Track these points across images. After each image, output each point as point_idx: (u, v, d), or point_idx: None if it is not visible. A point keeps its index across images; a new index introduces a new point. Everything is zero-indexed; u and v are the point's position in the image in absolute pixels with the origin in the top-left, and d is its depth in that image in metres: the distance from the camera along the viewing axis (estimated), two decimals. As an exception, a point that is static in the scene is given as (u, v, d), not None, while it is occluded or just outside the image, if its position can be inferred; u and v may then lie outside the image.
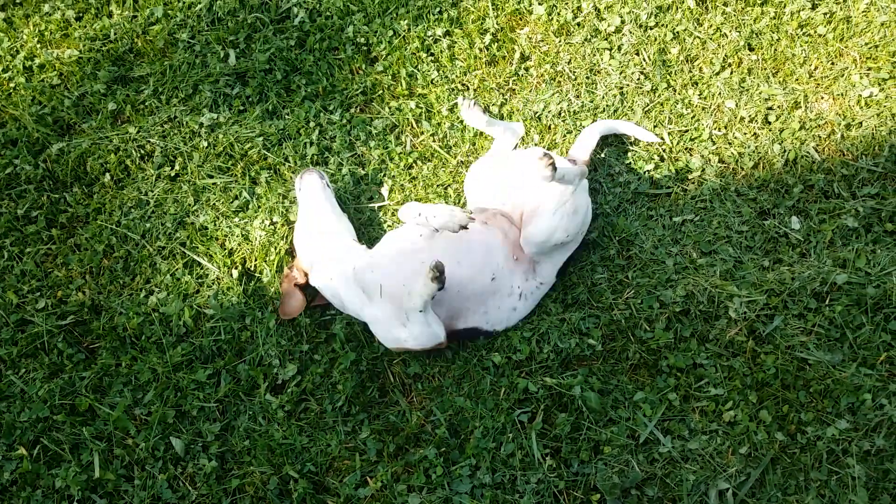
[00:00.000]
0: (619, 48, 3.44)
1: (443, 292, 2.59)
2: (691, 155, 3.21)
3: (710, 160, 3.18)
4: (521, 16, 3.59)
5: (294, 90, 3.50)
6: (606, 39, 3.47)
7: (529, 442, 2.57)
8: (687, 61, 3.40)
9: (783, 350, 2.61)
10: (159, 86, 3.54)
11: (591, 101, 3.35)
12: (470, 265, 2.67)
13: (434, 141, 3.33)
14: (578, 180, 2.74)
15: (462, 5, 3.61)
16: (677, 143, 3.23)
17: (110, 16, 3.77)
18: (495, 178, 2.93)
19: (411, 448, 2.66)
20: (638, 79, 3.37)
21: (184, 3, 3.72)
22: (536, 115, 3.33)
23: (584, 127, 3.24)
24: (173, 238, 3.15)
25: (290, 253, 3.07)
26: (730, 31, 3.41)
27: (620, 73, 3.39)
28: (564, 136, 3.28)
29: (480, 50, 3.50)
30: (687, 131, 3.25)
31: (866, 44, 3.29)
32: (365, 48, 3.58)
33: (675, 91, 3.34)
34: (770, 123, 3.22)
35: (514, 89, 3.45)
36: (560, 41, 3.50)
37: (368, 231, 3.14)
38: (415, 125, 3.38)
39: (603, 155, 3.23)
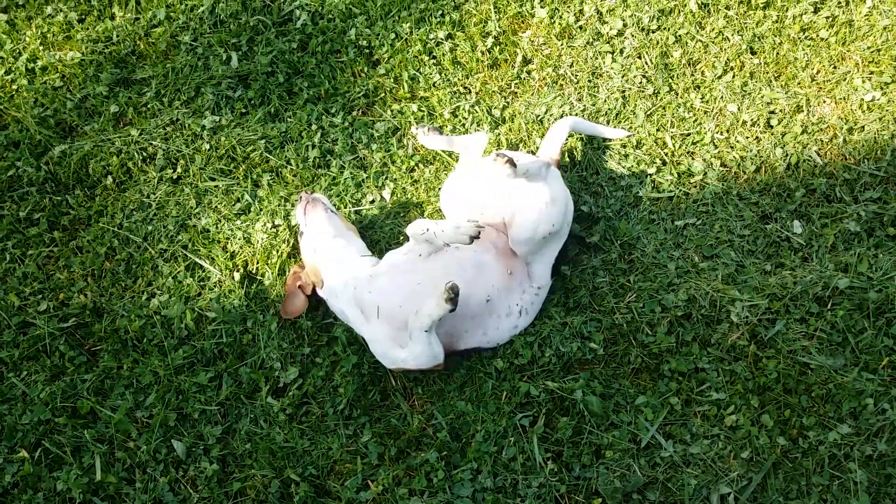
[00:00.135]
0: (622, 51, 3.44)
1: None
2: (693, 159, 3.21)
3: (712, 164, 3.18)
4: (523, 19, 3.59)
5: (296, 93, 3.50)
6: (608, 43, 3.47)
7: (531, 446, 2.57)
8: (689, 65, 3.40)
9: (785, 354, 2.61)
10: (161, 88, 3.54)
11: (593, 105, 3.35)
12: (465, 285, 2.61)
13: (436, 144, 3.33)
14: (545, 171, 2.75)
15: (464, 8, 3.62)
16: (679, 147, 3.23)
17: (113, 18, 3.78)
18: (470, 191, 2.91)
19: (413, 452, 2.66)
20: (640, 82, 3.37)
21: (186, 5, 3.72)
22: (538, 119, 3.33)
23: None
24: (175, 241, 3.15)
25: (294, 256, 3.07)
26: (732, 35, 3.41)
27: (622, 77, 3.39)
28: (566, 139, 3.27)
29: (482, 53, 3.50)
30: (689, 135, 3.25)
31: (869, 47, 3.29)
32: (367, 51, 3.58)
33: (677, 95, 3.34)
34: (772, 127, 3.22)
35: (516, 92, 3.45)
36: (562, 44, 3.50)
37: (370, 234, 3.14)
38: (417, 128, 3.38)
39: (604, 158, 3.23)
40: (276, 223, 3.15)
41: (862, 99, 3.20)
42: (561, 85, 3.42)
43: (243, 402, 2.81)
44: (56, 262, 3.16)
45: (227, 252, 3.12)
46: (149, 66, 3.63)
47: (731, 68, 3.37)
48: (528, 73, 3.48)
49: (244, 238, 3.13)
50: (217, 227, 3.17)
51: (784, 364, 2.59)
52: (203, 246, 3.13)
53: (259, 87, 3.48)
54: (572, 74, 3.43)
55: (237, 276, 3.04)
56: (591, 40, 3.48)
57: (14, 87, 3.60)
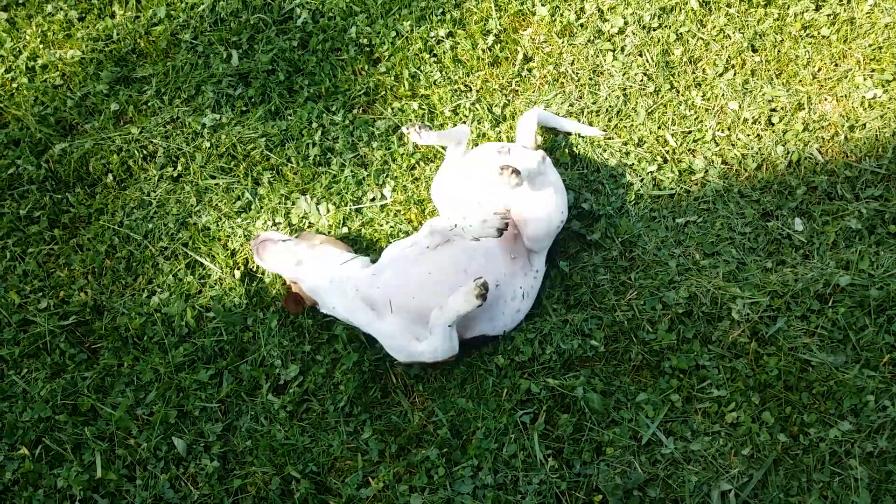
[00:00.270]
0: (623, 49, 3.44)
1: None
2: (694, 156, 3.21)
3: (713, 162, 3.17)
4: (524, 17, 3.59)
5: (297, 91, 3.50)
6: (609, 41, 3.47)
7: (531, 443, 2.56)
8: (690, 63, 3.40)
9: (786, 352, 2.61)
10: (162, 86, 3.54)
11: (594, 103, 3.34)
12: (475, 273, 2.66)
13: (437, 142, 3.33)
14: (542, 165, 2.77)
15: (465, 6, 3.61)
16: (680, 145, 3.23)
17: (113, 16, 3.78)
18: (463, 184, 2.92)
19: (413, 449, 2.65)
20: (641, 80, 3.36)
21: (186, 3, 3.72)
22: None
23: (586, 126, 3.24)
24: (175, 238, 3.15)
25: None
26: (733, 33, 3.40)
27: (623, 75, 3.39)
28: (566, 136, 3.27)
29: (483, 51, 3.50)
30: (690, 133, 3.24)
31: (870, 45, 3.29)
32: (368, 49, 3.58)
33: (678, 92, 3.34)
34: (773, 125, 3.22)
35: (516, 90, 3.45)
36: (563, 42, 3.50)
37: (370, 231, 3.14)
38: (417, 126, 3.38)
39: (605, 156, 3.23)
40: (276, 221, 3.15)
41: (863, 96, 3.19)
42: (562, 83, 3.42)
43: (244, 400, 2.81)
44: (56, 259, 3.16)
45: (227, 250, 3.12)
46: (149, 64, 3.63)
47: (733, 66, 3.36)
48: (529, 70, 3.48)
49: (245, 236, 3.13)
50: (217, 225, 3.17)
51: (785, 361, 2.59)
52: (203, 244, 3.13)
53: (259, 86, 3.48)
54: (573, 72, 3.43)
55: (237, 273, 3.04)
56: (592, 38, 3.48)
57: (14, 85, 3.60)
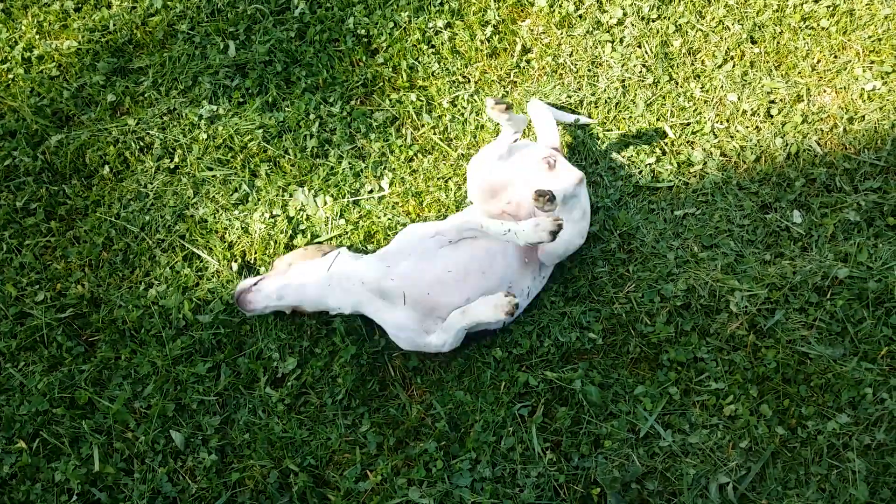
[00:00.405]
0: (621, 40, 3.43)
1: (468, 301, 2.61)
2: (693, 148, 3.20)
3: (711, 154, 3.17)
4: (522, 7, 3.57)
5: (294, 82, 3.48)
6: (608, 32, 3.45)
7: (530, 436, 2.57)
8: (689, 54, 3.39)
9: (784, 344, 2.61)
10: (158, 77, 3.52)
11: (593, 94, 3.33)
12: (494, 275, 2.65)
13: (435, 134, 3.32)
14: (579, 188, 2.70)
15: (463, -3, 3.60)
16: (679, 137, 3.22)
17: (109, 7, 3.75)
18: (501, 172, 2.85)
19: (411, 441, 2.66)
20: (640, 71, 3.35)
21: (183, -6, 3.70)
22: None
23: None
24: (173, 231, 3.14)
25: (290, 246, 3.06)
26: (732, 24, 3.39)
27: (622, 66, 3.37)
28: (565, 128, 3.26)
29: (482, 42, 3.48)
30: (689, 124, 3.24)
31: (869, 37, 3.28)
32: (365, 40, 3.56)
33: (677, 84, 3.33)
34: (772, 117, 3.21)
35: (515, 81, 3.43)
36: (562, 33, 3.48)
37: (368, 223, 3.13)
38: (415, 118, 3.36)
39: (604, 148, 3.22)
40: (273, 213, 3.14)
41: (862, 88, 3.19)
42: (560, 74, 3.41)
43: (241, 393, 2.81)
44: (53, 252, 3.15)
45: (224, 242, 3.11)
46: (146, 55, 3.61)
47: (732, 57, 3.35)
48: (528, 62, 3.46)
49: (242, 228, 3.12)
50: (215, 217, 3.16)
51: (783, 354, 2.59)
52: (201, 236, 3.12)
53: (257, 77, 3.46)
54: (572, 64, 3.41)
55: (235, 266, 3.03)
56: (590, 29, 3.47)
57: (10, 76, 3.57)
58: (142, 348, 2.89)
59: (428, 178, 3.21)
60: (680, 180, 3.13)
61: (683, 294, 2.76)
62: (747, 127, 3.20)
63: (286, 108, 3.41)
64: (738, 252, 2.92)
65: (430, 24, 3.53)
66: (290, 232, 3.08)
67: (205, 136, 3.31)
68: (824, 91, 3.24)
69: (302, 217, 3.14)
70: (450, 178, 3.20)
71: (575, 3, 3.51)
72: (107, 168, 3.29)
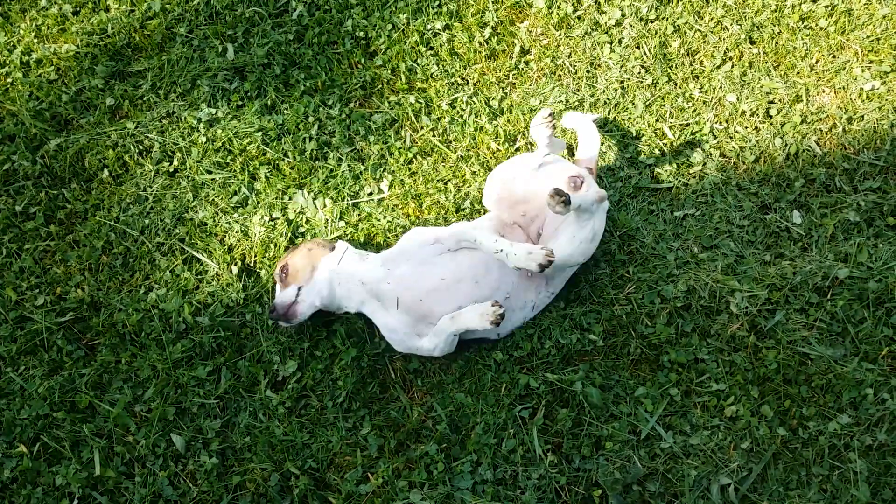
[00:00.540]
0: (620, 42, 3.43)
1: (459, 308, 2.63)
2: (692, 149, 3.20)
3: (711, 154, 3.17)
4: (520, 9, 3.57)
5: (293, 85, 3.48)
6: (607, 33, 3.46)
7: (531, 438, 2.56)
8: (688, 55, 3.39)
9: (785, 345, 2.61)
10: (157, 81, 3.52)
11: (592, 95, 3.33)
12: (487, 285, 2.66)
13: (434, 136, 3.32)
14: (596, 206, 2.67)
15: (461, -1, 3.60)
16: (678, 138, 3.22)
17: (107, 10, 3.75)
18: (522, 185, 2.83)
19: (412, 444, 2.65)
20: (639, 72, 3.35)
21: (181, -3, 3.70)
22: (536, 110, 3.31)
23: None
24: (172, 234, 3.14)
25: (290, 248, 3.06)
26: (731, 25, 3.39)
27: (621, 67, 3.37)
28: (563, 130, 3.26)
29: (480, 44, 3.48)
30: (688, 125, 3.24)
31: (868, 37, 3.28)
32: (364, 42, 3.56)
33: (675, 85, 3.33)
34: (771, 117, 3.21)
35: (514, 83, 3.43)
36: (560, 35, 3.48)
37: (367, 226, 3.13)
38: (414, 120, 3.36)
39: (603, 149, 3.22)
40: (273, 216, 3.13)
41: (861, 88, 3.19)
42: (559, 75, 3.41)
43: (242, 396, 2.80)
44: (53, 256, 3.15)
45: (224, 245, 3.10)
46: (144, 58, 3.61)
47: (730, 58, 3.35)
48: (527, 63, 3.46)
49: (241, 231, 3.12)
50: (214, 221, 3.15)
51: (784, 354, 2.59)
52: (200, 239, 3.12)
53: (255, 79, 3.46)
54: (570, 65, 3.42)
55: (235, 269, 3.03)
56: (589, 30, 3.47)
57: (9, 80, 3.57)
58: (142, 352, 2.89)
59: (427, 180, 3.21)
60: (679, 181, 3.13)
61: (684, 295, 2.76)
62: (746, 127, 3.20)
63: (285, 111, 3.40)
64: (738, 253, 2.92)
65: (429, 26, 3.53)
66: (289, 234, 3.08)
67: (204, 139, 3.31)
68: (823, 91, 3.24)
69: (301, 220, 3.14)
70: (449, 179, 3.20)
71: (573, 4, 3.52)
72: (106, 172, 3.29)
